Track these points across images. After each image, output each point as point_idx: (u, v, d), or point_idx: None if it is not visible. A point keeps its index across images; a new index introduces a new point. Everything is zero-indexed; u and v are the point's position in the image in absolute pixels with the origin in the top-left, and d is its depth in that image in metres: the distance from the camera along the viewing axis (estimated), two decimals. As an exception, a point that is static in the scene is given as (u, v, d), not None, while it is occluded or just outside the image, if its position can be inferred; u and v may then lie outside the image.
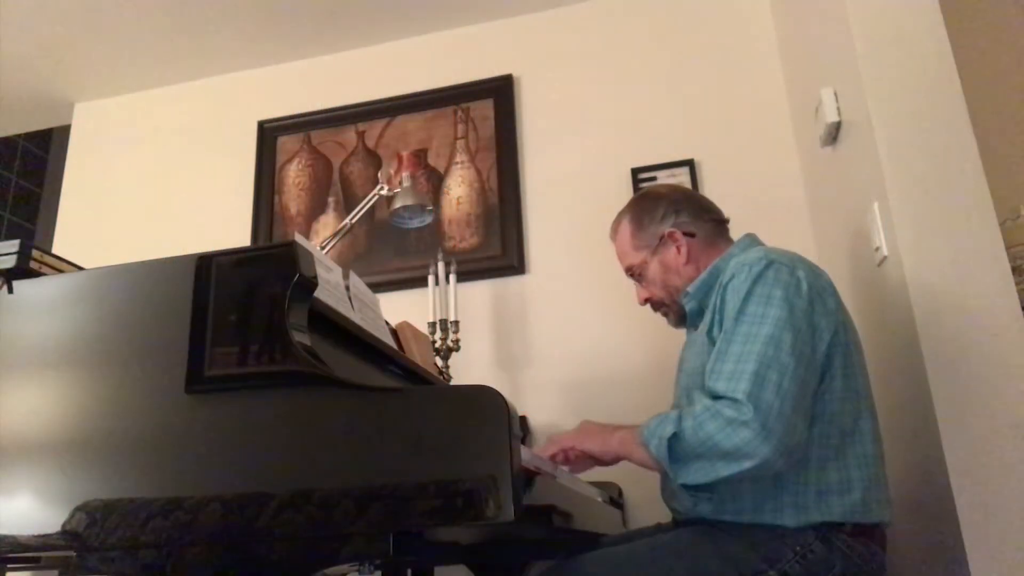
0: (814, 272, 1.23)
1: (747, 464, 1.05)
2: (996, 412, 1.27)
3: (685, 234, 1.40)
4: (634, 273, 1.47)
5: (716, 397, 1.11)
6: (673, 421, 1.12)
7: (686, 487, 1.13)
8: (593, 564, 1.16)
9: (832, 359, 1.17)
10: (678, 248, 1.40)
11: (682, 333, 1.51)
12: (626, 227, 1.47)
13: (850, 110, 1.67)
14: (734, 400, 1.08)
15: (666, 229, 1.41)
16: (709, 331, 1.24)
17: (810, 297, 1.17)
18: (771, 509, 1.15)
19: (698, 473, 1.09)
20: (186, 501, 0.82)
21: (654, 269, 1.43)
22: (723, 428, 1.06)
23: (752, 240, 1.41)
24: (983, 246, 1.34)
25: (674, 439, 1.10)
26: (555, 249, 2.44)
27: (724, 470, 1.07)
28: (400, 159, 2.67)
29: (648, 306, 1.50)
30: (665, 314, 1.48)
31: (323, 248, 2.00)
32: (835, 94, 1.76)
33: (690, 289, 1.37)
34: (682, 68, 2.51)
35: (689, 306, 1.38)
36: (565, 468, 1.28)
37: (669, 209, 1.42)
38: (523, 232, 2.48)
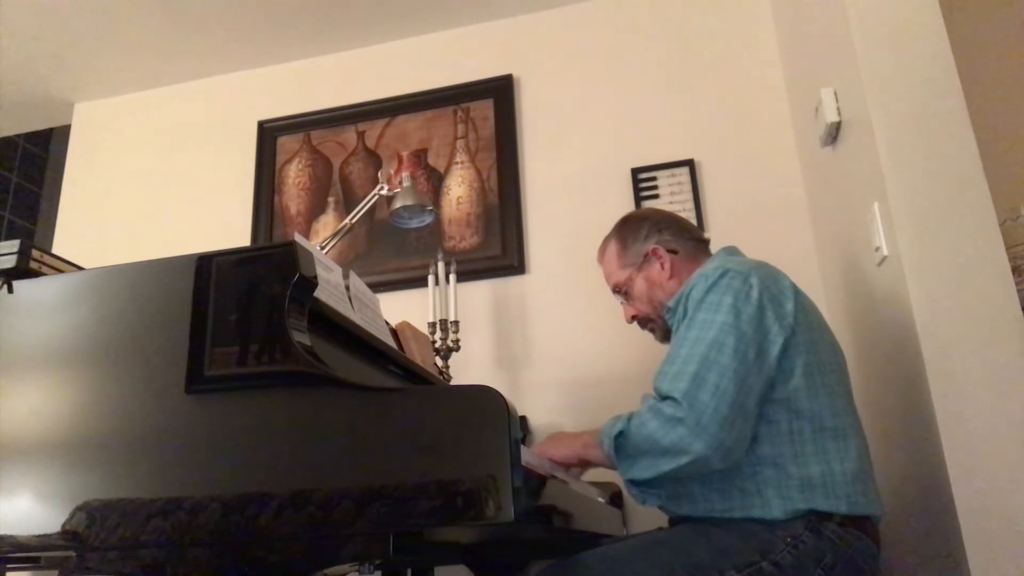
0: (772, 278, 1.27)
1: (684, 459, 1.12)
2: (996, 412, 1.27)
3: (668, 251, 1.47)
4: (621, 291, 1.53)
5: (662, 396, 1.18)
6: (623, 420, 1.19)
7: (633, 483, 1.19)
8: (591, 561, 1.18)
9: (792, 359, 1.21)
10: (662, 264, 1.47)
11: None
12: (612, 248, 1.54)
13: (850, 110, 1.67)
14: (674, 399, 1.15)
15: (650, 247, 1.48)
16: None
17: (760, 303, 1.22)
18: (759, 504, 1.18)
19: (644, 469, 1.16)
20: (186, 501, 0.82)
21: (640, 285, 1.49)
22: (662, 426, 1.13)
23: (730, 251, 1.44)
24: (983, 246, 1.34)
25: (620, 437, 1.18)
26: (555, 249, 2.44)
27: (666, 465, 1.13)
28: (400, 159, 2.67)
29: (636, 322, 1.55)
30: (652, 330, 1.54)
31: (323, 248, 2.00)
32: (835, 94, 1.76)
33: (670, 304, 1.40)
34: (682, 68, 2.51)
35: (672, 321, 1.41)
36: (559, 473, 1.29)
37: (652, 229, 1.50)
38: (523, 232, 2.48)
